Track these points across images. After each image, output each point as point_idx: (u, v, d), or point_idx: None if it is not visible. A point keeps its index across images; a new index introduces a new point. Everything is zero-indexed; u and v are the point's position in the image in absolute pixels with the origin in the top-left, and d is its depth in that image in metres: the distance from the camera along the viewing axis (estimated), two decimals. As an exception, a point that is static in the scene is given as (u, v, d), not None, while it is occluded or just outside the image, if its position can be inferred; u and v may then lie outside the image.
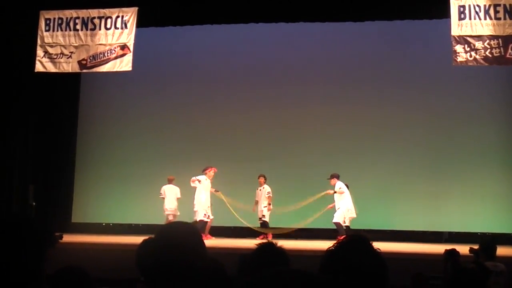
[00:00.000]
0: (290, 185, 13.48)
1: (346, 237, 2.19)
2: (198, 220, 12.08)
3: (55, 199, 14.29)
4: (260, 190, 12.91)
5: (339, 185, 12.32)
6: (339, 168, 13.51)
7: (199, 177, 12.26)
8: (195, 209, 12.27)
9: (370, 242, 2.15)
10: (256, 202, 12.94)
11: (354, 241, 2.12)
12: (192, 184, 12.28)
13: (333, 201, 12.38)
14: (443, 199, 13.35)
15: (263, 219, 12.76)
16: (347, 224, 12.20)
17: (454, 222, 13.21)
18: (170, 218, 12.72)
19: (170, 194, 13.02)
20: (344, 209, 12.19)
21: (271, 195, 12.77)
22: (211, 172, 12.39)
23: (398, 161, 13.58)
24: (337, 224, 12.08)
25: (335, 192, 12.32)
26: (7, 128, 13.66)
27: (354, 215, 12.29)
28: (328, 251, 2.10)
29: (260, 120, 14.19)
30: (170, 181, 13.11)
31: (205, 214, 12.17)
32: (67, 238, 10.29)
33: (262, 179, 12.91)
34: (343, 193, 12.22)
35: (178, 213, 12.92)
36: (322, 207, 12.48)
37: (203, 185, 12.27)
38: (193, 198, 12.32)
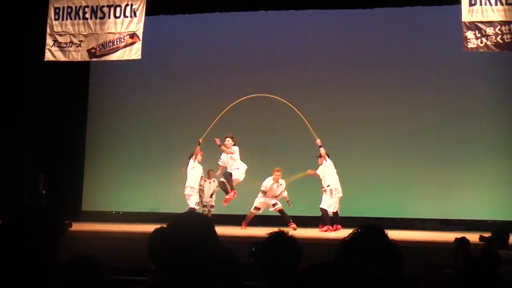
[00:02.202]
0: (296, 171, 13.40)
1: (360, 227, 2.18)
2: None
3: (65, 188, 14.37)
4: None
5: (329, 161, 11.94)
6: (350, 156, 13.49)
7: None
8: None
9: (385, 232, 2.14)
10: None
11: (369, 232, 2.11)
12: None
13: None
14: (454, 187, 13.31)
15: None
16: (335, 210, 11.82)
17: (465, 210, 13.16)
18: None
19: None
20: (333, 190, 11.76)
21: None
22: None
23: (409, 149, 13.54)
24: (324, 211, 11.69)
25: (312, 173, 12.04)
26: (18, 117, 13.72)
27: (341, 194, 11.84)
28: (343, 241, 2.09)
29: (275, 108, 14.14)
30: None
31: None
32: (78, 226, 10.32)
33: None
34: (325, 164, 11.83)
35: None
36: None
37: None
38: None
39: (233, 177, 11.89)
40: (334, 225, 11.69)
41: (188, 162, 12.29)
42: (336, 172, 11.93)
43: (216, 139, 11.88)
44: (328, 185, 11.77)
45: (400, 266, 2.03)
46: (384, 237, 2.11)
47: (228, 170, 11.96)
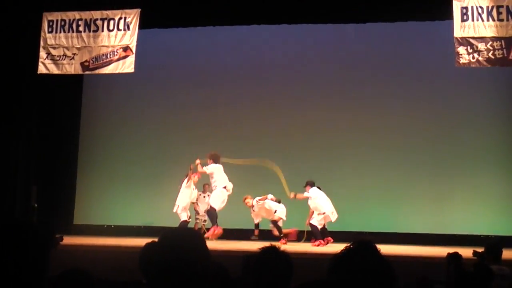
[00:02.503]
0: (294, 190, 13.42)
1: (353, 243, 2.18)
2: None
3: (57, 201, 14.30)
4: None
5: (311, 192, 12.04)
6: (342, 171, 13.51)
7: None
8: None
9: (377, 248, 2.14)
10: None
11: (361, 247, 2.11)
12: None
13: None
14: (447, 202, 13.33)
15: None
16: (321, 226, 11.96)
17: (458, 225, 13.17)
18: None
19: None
20: (327, 212, 11.91)
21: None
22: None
23: (402, 163, 13.57)
24: (314, 227, 11.81)
25: (296, 196, 12.13)
26: (10, 130, 13.67)
27: (336, 215, 11.96)
28: (335, 257, 2.09)
29: (265, 122, 14.19)
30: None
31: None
32: (69, 240, 10.27)
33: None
34: (309, 198, 11.95)
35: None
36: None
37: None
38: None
39: (213, 200, 11.75)
40: (326, 238, 11.73)
41: (183, 181, 12.24)
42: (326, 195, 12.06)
43: (191, 165, 11.86)
44: (324, 213, 11.85)
45: (392, 283, 2.03)
46: (376, 253, 2.11)
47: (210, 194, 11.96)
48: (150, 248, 2.23)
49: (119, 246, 10.68)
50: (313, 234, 11.81)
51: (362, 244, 2.15)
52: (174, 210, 12.14)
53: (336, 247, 2.15)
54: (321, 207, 11.91)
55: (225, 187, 11.63)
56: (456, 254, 6.14)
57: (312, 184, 12.10)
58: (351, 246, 2.14)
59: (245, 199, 12.24)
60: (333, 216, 11.95)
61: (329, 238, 11.79)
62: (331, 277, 1.99)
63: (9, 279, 2.02)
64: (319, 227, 11.85)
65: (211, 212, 11.60)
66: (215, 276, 2.65)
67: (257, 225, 12.37)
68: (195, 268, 2.05)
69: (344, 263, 2.05)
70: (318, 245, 11.45)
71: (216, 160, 11.84)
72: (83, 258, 8.39)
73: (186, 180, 12.14)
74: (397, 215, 13.46)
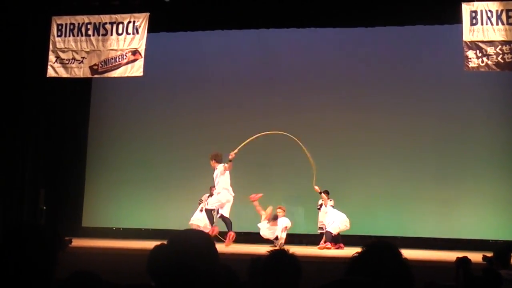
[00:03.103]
0: (299, 192, 13.44)
1: (373, 243, 2.17)
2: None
3: (65, 204, 14.34)
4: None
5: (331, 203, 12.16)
6: (348, 174, 13.49)
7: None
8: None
9: (398, 249, 2.12)
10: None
11: (382, 248, 2.10)
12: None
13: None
14: (455, 206, 13.28)
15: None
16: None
17: (466, 229, 13.12)
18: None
19: None
20: (342, 220, 12.00)
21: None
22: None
23: (409, 168, 13.53)
24: (328, 233, 11.84)
25: (321, 205, 12.20)
26: (18, 133, 13.72)
27: (348, 227, 12.07)
28: (353, 257, 2.09)
29: (273, 126, 14.16)
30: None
31: None
32: (78, 242, 10.29)
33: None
34: (326, 212, 12.03)
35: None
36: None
37: None
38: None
39: (210, 200, 11.82)
40: (337, 244, 11.77)
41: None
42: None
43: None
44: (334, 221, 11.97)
45: (410, 283, 2.02)
46: (396, 254, 2.10)
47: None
48: (159, 251, 2.23)
49: (127, 249, 10.69)
50: (326, 237, 11.86)
51: (383, 245, 2.13)
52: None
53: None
54: (339, 215, 12.01)
55: (226, 189, 11.60)
56: (465, 259, 6.09)
57: (328, 193, 12.17)
58: (372, 246, 2.13)
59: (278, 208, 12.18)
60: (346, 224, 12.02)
61: (341, 245, 11.83)
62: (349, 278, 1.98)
63: (17, 281, 2.03)
64: (334, 233, 11.88)
65: (207, 211, 11.64)
66: (223, 279, 2.65)
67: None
68: (204, 271, 2.05)
69: (362, 264, 2.04)
70: (325, 247, 11.48)
71: (219, 160, 11.77)
72: (91, 260, 8.41)
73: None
74: (405, 219, 13.43)
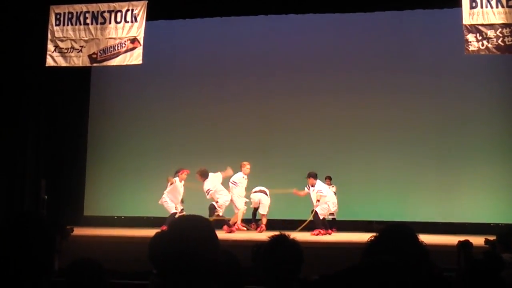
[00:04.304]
0: (298, 177, 13.39)
1: (389, 226, 2.16)
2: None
3: (67, 193, 14.36)
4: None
5: (319, 186, 12.00)
6: (350, 162, 13.48)
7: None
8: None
9: (414, 233, 2.11)
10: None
11: (399, 231, 2.09)
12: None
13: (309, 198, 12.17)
14: (455, 190, 13.29)
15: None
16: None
17: (467, 213, 13.14)
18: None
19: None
20: (330, 204, 12.04)
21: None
22: (184, 175, 12.36)
23: (410, 153, 13.53)
24: (317, 216, 11.80)
25: (307, 193, 12.12)
26: (19, 123, 13.72)
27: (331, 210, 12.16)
28: (370, 241, 2.08)
29: (275, 113, 14.17)
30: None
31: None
32: (79, 231, 10.31)
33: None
34: (325, 196, 11.95)
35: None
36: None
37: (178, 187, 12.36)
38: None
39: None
40: (328, 229, 11.80)
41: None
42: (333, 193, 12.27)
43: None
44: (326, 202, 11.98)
45: (428, 267, 2.02)
46: (413, 238, 2.09)
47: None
48: (160, 238, 2.23)
49: (129, 237, 10.73)
50: (315, 223, 11.82)
51: (399, 228, 2.12)
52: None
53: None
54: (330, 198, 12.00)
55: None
56: (466, 242, 6.11)
57: (315, 176, 12.07)
58: (388, 229, 2.12)
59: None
60: (333, 207, 12.03)
61: (330, 230, 11.83)
62: (365, 262, 1.97)
63: (18, 270, 2.04)
64: (321, 217, 11.86)
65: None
66: (225, 265, 2.65)
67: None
68: (205, 257, 2.05)
69: (379, 247, 2.03)
70: (317, 234, 11.49)
71: (206, 176, 12.24)
72: (93, 249, 8.43)
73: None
74: (406, 204, 13.44)
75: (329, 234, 11.73)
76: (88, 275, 2.91)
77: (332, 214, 12.51)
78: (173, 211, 12.18)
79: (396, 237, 2.11)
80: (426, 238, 2.25)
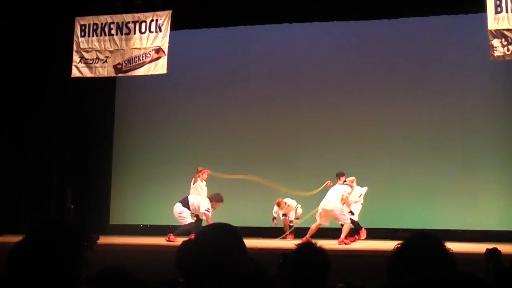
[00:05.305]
0: (307, 183, 13.31)
1: (415, 234, 2.14)
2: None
3: (93, 202, 14.46)
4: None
5: (359, 190, 12.07)
6: (372, 168, 13.39)
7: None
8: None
9: (442, 241, 2.09)
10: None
11: (426, 239, 2.07)
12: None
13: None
14: (482, 197, 13.11)
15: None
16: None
17: (494, 220, 12.95)
18: None
19: None
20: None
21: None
22: (204, 175, 12.32)
23: (435, 159, 13.39)
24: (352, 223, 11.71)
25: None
26: (45, 132, 13.90)
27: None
28: (398, 248, 2.06)
29: (296, 119, 14.16)
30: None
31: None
32: (105, 239, 10.38)
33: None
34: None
35: None
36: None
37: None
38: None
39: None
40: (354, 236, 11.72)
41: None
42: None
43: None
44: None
45: None
46: (441, 246, 2.07)
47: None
48: (187, 246, 2.23)
49: (155, 245, 10.76)
50: (355, 228, 11.78)
51: (426, 237, 2.10)
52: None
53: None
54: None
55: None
56: (495, 250, 6.01)
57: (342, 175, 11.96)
58: (414, 239, 2.10)
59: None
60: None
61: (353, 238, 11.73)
62: (392, 272, 1.96)
63: (47, 279, 2.04)
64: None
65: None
66: (252, 273, 2.65)
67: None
68: (232, 265, 2.05)
69: (406, 256, 2.01)
70: (353, 241, 11.46)
71: (220, 200, 12.23)
72: (119, 257, 8.47)
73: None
74: (432, 212, 13.29)
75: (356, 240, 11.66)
76: (117, 283, 2.93)
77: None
78: (190, 220, 12.14)
79: (423, 245, 2.09)
80: (452, 246, 2.23)
